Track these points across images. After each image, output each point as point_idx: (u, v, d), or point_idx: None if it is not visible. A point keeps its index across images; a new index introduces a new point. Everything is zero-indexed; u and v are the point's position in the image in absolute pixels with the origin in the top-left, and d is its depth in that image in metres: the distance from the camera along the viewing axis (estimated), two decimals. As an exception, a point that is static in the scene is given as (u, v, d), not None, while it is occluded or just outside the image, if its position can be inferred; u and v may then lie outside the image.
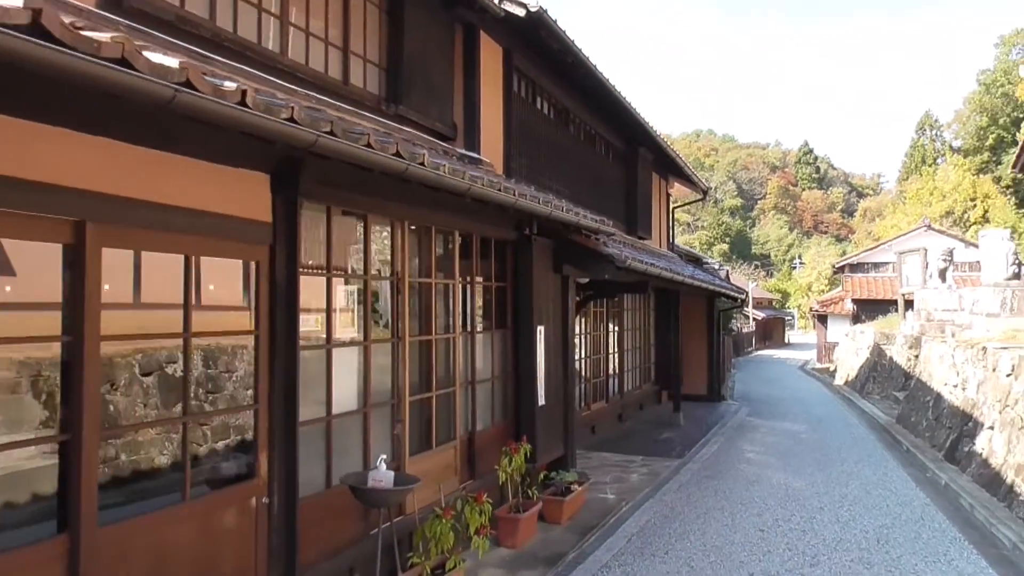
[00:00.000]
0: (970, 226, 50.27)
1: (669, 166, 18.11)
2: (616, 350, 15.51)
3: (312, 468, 4.98)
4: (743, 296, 19.05)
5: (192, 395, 4.15)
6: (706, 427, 15.18)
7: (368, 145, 4.14)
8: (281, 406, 4.58)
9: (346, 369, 5.43)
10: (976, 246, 30.92)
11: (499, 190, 5.76)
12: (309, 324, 5.01)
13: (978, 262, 25.60)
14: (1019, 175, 13.69)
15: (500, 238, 7.86)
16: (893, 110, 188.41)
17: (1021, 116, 67.13)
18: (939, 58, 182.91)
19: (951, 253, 20.01)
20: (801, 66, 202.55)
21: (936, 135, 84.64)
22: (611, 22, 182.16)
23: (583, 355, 13.57)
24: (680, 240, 35.27)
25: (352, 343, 5.54)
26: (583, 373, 13.61)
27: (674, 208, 19.89)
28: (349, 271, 5.61)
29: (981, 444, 10.47)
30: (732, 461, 11.84)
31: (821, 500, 9.26)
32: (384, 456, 4.80)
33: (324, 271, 5.21)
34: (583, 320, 13.60)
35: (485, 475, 7.06)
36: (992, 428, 10.24)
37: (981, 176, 64.86)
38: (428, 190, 5.33)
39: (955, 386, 12.79)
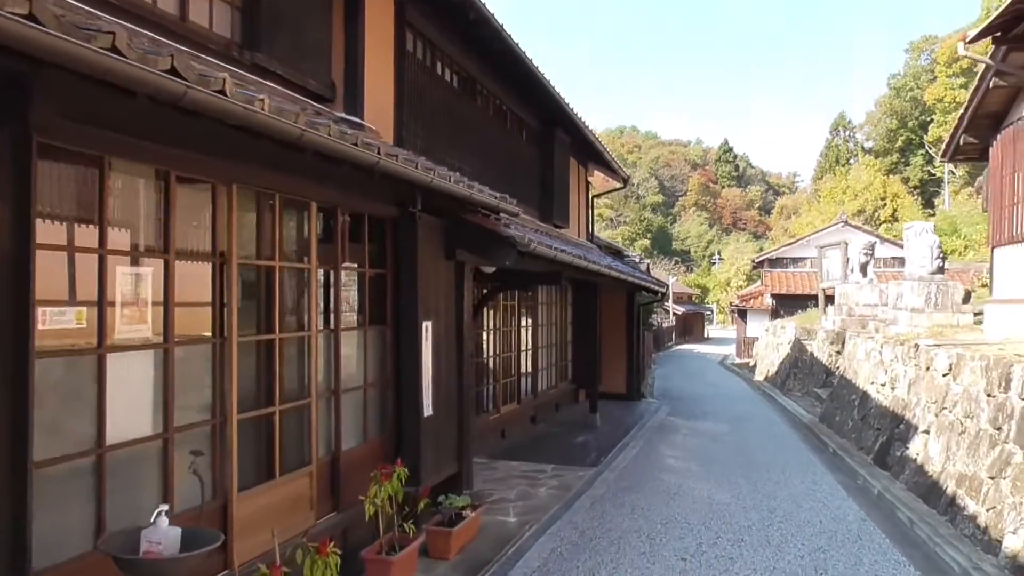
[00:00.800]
0: (880, 224, 51.18)
1: (588, 151, 16.98)
2: (530, 347, 14.29)
3: (65, 525, 3.52)
4: (663, 290, 18.11)
5: None
6: (624, 429, 14.11)
7: (114, 50, 2.72)
8: (5, 439, 3.12)
9: (134, 382, 3.98)
10: (892, 243, 30.97)
11: (355, 144, 4.39)
12: (67, 320, 3.55)
13: (893, 259, 25.17)
14: (949, 162, 12.75)
15: (376, 214, 6.47)
16: (809, 111, 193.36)
17: (928, 119, 69.16)
18: (853, 61, 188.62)
19: (872, 247, 19.50)
20: (722, 65, 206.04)
21: (849, 136, 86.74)
22: (535, 17, 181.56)
23: (492, 353, 12.29)
24: (603, 235, 34.43)
25: (144, 346, 4.08)
26: (492, 372, 12.34)
27: (594, 197, 18.83)
28: (140, 247, 4.13)
29: (915, 449, 9.62)
30: (651, 469, 10.74)
31: (748, 516, 8.18)
32: (164, 507, 3.35)
33: (97, 247, 3.75)
34: (491, 315, 12.32)
35: (355, 505, 5.67)
36: (928, 432, 9.38)
37: (891, 176, 66.59)
38: (267, 145, 3.96)
39: (883, 385, 12.01)
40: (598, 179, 19.86)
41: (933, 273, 13.81)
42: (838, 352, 18.65)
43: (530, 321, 14.40)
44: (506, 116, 12.90)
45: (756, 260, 36.11)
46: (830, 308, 20.70)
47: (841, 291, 19.82)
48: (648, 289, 17.89)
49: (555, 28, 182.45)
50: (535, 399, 14.41)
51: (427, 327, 6.81)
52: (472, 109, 11.31)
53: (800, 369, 20.61)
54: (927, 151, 69.25)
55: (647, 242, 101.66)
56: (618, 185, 18.67)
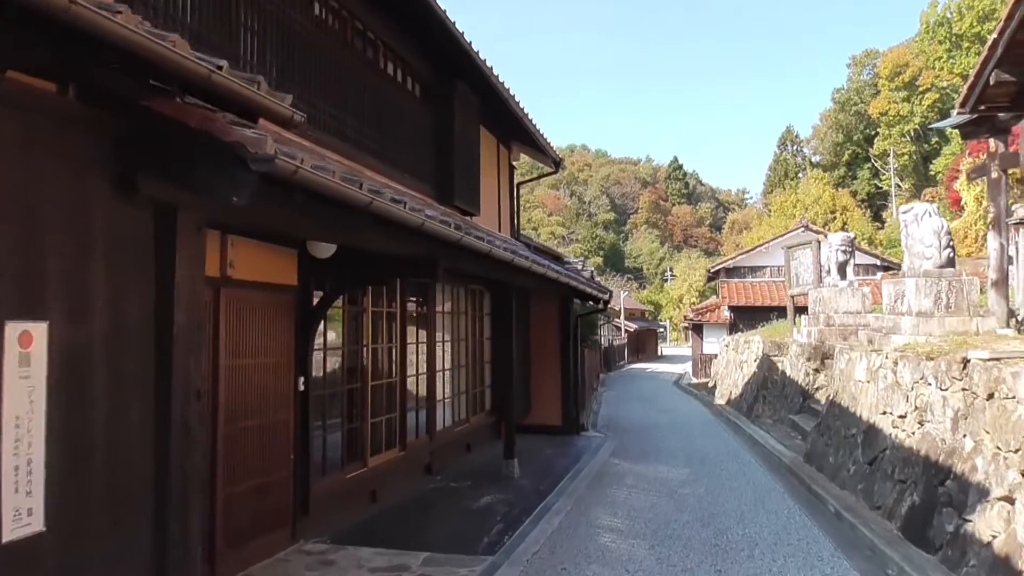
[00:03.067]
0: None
1: (508, 124, 13.31)
2: (423, 369, 10.47)
3: None
4: (606, 296, 14.45)
5: None
6: (551, 480, 10.34)
7: None
8: None
9: None
10: (863, 251, 27.84)
11: None
12: None
13: (862, 267, 21.60)
14: (971, 113, 8.96)
15: None
16: (756, 128, 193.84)
17: (873, 133, 67.55)
18: (797, 76, 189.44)
19: (851, 243, 16.12)
20: (670, 83, 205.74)
21: (797, 150, 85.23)
22: (485, 34, 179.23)
23: (356, 380, 8.45)
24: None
25: None
26: (362, 407, 8.51)
27: (520, 184, 15.23)
28: None
29: (988, 525, 5.99)
30: (577, 557, 6.95)
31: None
32: None
33: None
34: (354, 326, 8.50)
35: None
36: (1012, 501, 5.77)
37: (839, 190, 64.64)
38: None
39: (902, 417, 8.44)
40: (525, 163, 16.19)
41: (942, 266, 10.40)
42: (816, 370, 15.16)
43: (425, 334, 10.59)
44: (379, 51, 9.16)
45: (712, 270, 32.82)
46: (803, 318, 17.25)
47: (816, 297, 16.37)
48: (588, 295, 14.21)
49: (503, 41, 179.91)
50: (431, 441, 10.56)
51: (26, 334, 2.96)
52: (327, 34, 7.63)
53: (770, 391, 17.08)
54: (873, 164, 67.65)
55: (599, 259, 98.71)
56: (548, 169, 15.11)
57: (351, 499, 8.20)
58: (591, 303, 15.09)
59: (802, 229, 30.18)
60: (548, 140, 14.22)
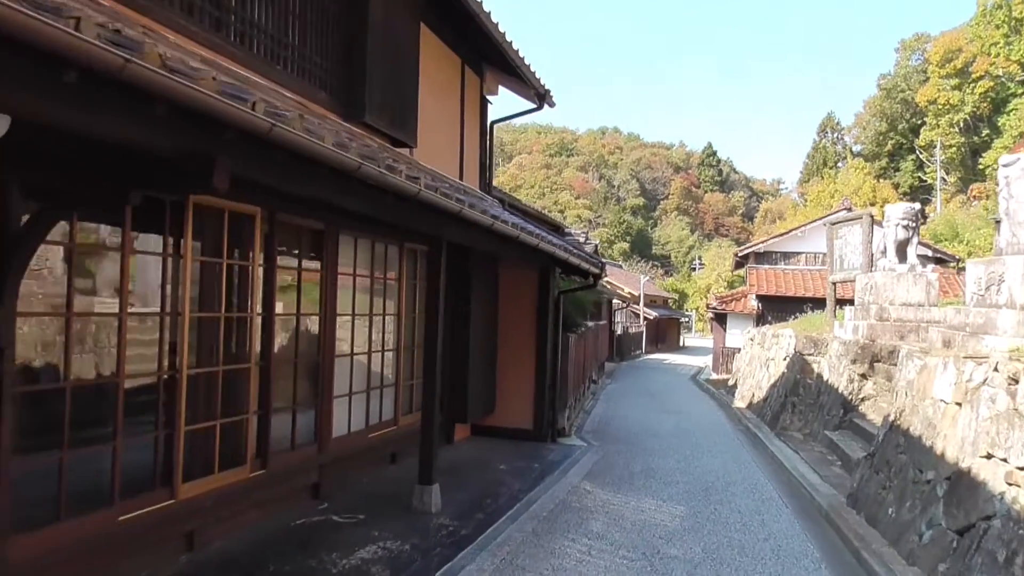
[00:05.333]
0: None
1: (475, 40, 10.02)
2: (317, 353, 7.32)
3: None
4: (597, 269, 11.12)
5: None
6: (481, 519, 7.11)
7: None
8: None
9: None
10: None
11: None
12: None
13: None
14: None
15: None
16: (795, 116, 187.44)
17: (919, 123, 63.06)
18: (841, 64, 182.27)
19: (916, 217, 12.61)
20: (708, 67, 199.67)
21: (838, 138, 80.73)
22: (521, 14, 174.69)
23: (160, 371, 5.31)
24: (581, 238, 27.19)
25: None
26: (170, 408, 5.39)
27: (496, 123, 11.95)
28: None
29: None
30: None
31: None
32: None
33: None
34: (153, 280, 5.37)
35: None
36: None
37: (880, 181, 60.44)
38: None
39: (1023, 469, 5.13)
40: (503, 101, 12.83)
41: (1062, 242, 7.09)
42: (863, 376, 11.76)
43: (319, 304, 7.40)
44: None
45: (740, 254, 29.18)
46: (847, 310, 13.81)
47: (865, 284, 12.92)
48: (572, 267, 10.91)
49: (537, 23, 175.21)
50: (320, 452, 7.39)
51: None
52: None
53: (801, 398, 13.67)
54: (918, 155, 63.22)
55: (626, 245, 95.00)
56: (530, 105, 11.79)
57: (138, 549, 5.09)
58: (578, 277, 11.78)
59: (844, 212, 26.45)
60: (530, 65, 10.87)
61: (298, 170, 4.12)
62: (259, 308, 6.50)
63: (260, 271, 6.41)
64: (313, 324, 7.36)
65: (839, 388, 12.24)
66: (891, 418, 8.02)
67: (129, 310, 5.09)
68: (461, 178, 10.73)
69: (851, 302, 14.55)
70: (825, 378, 13.15)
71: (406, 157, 7.90)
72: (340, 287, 7.74)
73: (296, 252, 7.10)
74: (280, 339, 6.87)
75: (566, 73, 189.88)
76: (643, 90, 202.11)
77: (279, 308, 6.80)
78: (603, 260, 12.14)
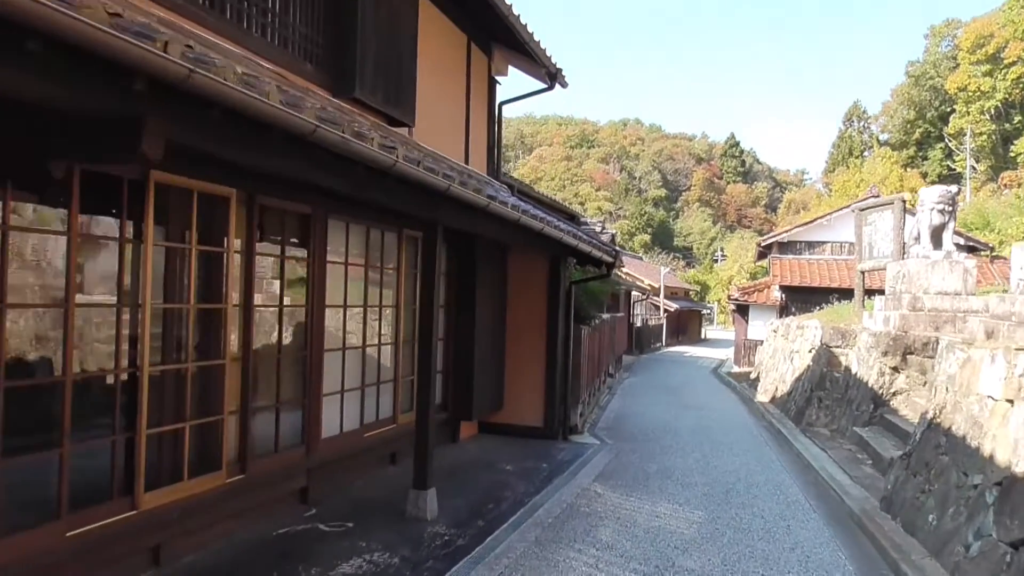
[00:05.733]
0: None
1: (482, 16, 9.41)
2: (306, 347, 6.78)
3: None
4: (611, 258, 10.47)
5: None
6: (481, 527, 6.53)
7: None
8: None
9: None
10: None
11: None
12: None
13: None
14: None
15: None
16: (819, 106, 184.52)
17: (949, 111, 61.56)
18: (868, 52, 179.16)
19: (954, 200, 11.83)
20: (730, 57, 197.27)
21: (864, 127, 79.15)
22: (543, 4, 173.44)
23: (116, 368, 4.79)
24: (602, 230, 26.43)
25: None
26: (130, 409, 4.88)
27: (504, 104, 11.31)
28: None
29: None
30: None
31: None
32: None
33: None
34: (107, 266, 4.84)
35: None
36: None
37: (908, 170, 59.09)
38: None
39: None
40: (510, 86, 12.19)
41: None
42: (895, 369, 11.04)
43: (307, 294, 6.86)
44: None
45: (762, 243, 28.33)
46: (877, 300, 13.06)
47: (897, 273, 12.17)
48: (585, 256, 10.28)
49: (558, 13, 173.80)
50: (309, 455, 6.85)
51: None
52: None
53: (828, 392, 12.95)
54: (947, 144, 61.75)
55: (647, 237, 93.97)
56: (541, 85, 11.15)
57: (93, 566, 4.58)
58: (592, 267, 11.15)
59: (872, 199, 25.55)
60: (540, 42, 10.24)
61: (240, 134, 3.54)
62: (237, 299, 5.95)
63: (236, 258, 5.86)
64: (299, 316, 6.81)
65: (869, 382, 11.52)
66: (929, 415, 7.33)
67: (78, 300, 4.55)
68: (467, 162, 10.13)
69: (880, 292, 13.79)
70: (854, 371, 12.43)
71: (402, 137, 7.31)
72: (330, 276, 7.18)
73: (279, 238, 6.54)
74: (261, 332, 6.33)
75: (587, 64, 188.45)
76: (665, 81, 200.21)
77: (260, 299, 6.26)
78: (618, 249, 11.50)
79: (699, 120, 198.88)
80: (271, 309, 6.45)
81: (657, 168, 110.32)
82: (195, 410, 5.49)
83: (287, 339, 6.66)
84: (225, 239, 5.76)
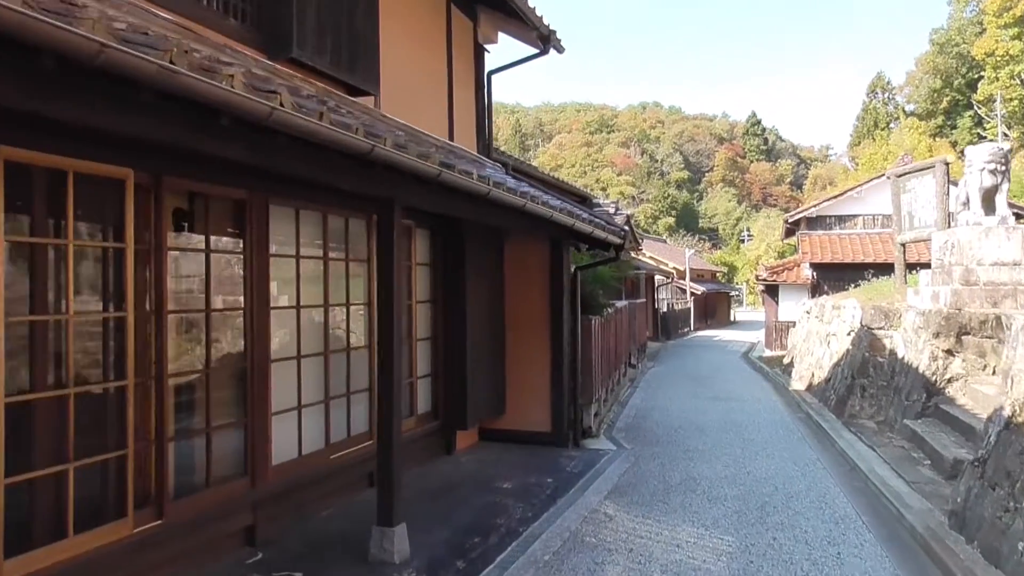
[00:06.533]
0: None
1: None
2: (246, 356, 5.59)
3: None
4: (620, 239, 9.15)
5: None
6: (457, 572, 5.30)
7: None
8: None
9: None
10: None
11: None
12: None
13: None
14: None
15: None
16: (841, 79, 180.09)
17: (976, 77, 59.08)
18: (889, 22, 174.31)
19: (1006, 157, 10.33)
20: (748, 35, 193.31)
21: (889, 98, 76.57)
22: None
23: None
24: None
25: None
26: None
27: (494, 74, 10.01)
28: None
29: None
30: None
31: None
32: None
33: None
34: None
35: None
36: None
37: (936, 140, 56.81)
38: None
39: None
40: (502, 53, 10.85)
41: None
42: (949, 352, 9.63)
43: (248, 293, 5.66)
44: None
45: (789, 220, 26.70)
46: (924, 274, 11.60)
47: (945, 242, 10.71)
48: (590, 238, 8.97)
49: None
50: (254, 487, 5.66)
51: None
52: None
53: (872, 380, 11.53)
54: (976, 111, 59.22)
55: (671, 220, 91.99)
56: (533, 51, 9.83)
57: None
58: (601, 251, 9.84)
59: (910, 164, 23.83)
60: (527, 0, 8.93)
61: (79, 89, 2.33)
62: (145, 305, 4.77)
63: (132, 255, 4.65)
64: (235, 321, 5.61)
65: (919, 367, 10.10)
66: (1007, 412, 5.94)
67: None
68: (451, 138, 8.87)
69: (922, 266, 12.34)
70: (900, 355, 11.01)
71: (362, 107, 6.07)
72: (276, 272, 5.97)
73: (202, 228, 5.34)
74: (183, 343, 5.14)
75: (603, 50, 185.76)
76: (683, 63, 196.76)
77: (175, 303, 5.06)
78: (626, 229, 10.14)
79: (719, 100, 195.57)
80: (194, 314, 5.25)
81: (678, 150, 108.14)
82: (83, 446, 4.32)
83: (220, 349, 5.47)
84: (123, 231, 4.57)
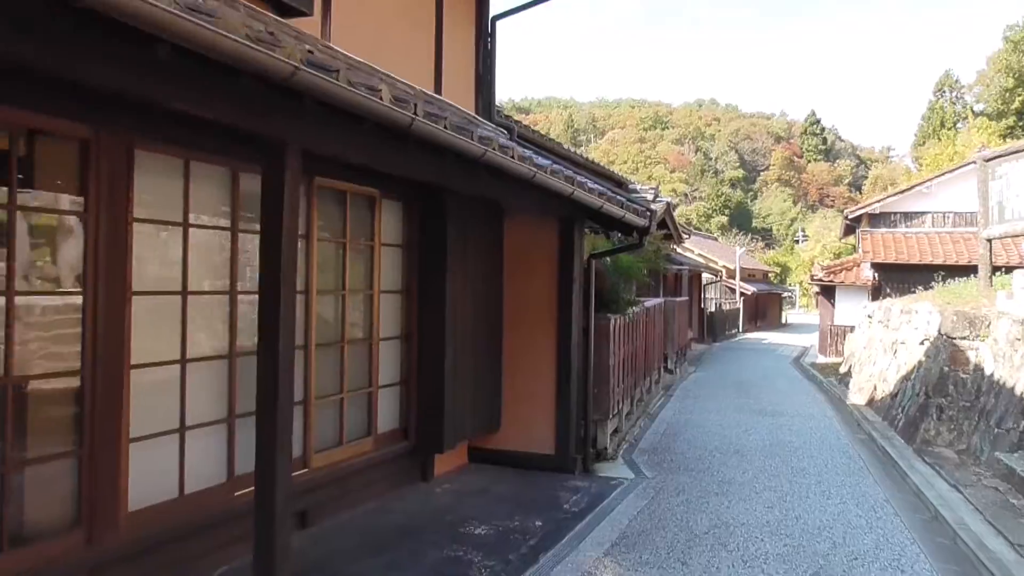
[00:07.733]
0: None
1: None
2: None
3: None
4: (645, 221, 7.25)
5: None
6: None
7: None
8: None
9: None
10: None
11: None
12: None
13: None
14: None
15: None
16: (905, 79, 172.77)
17: (1052, 77, 54.87)
18: (958, 19, 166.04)
19: None
20: (808, 32, 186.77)
21: (956, 97, 72.08)
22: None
23: None
24: (676, 212, 22.86)
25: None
26: None
27: (499, 19, 8.22)
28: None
29: None
30: None
31: None
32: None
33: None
34: None
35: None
36: None
37: (1007, 141, 52.95)
38: None
39: None
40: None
41: None
42: (1060, 371, 7.45)
43: (111, 268, 3.95)
44: None
45: (850, 216, 24.16)
46: (1019, 274, 9.38)
47: (1052, 235, 8.48)
48: (607, 218, 7.10)
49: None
50: (90, 543, 3.94)
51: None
52: None
53: (953, 399, 9.37)
54: (1050, 112, 55.01)
55: (724, 218, 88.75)
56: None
57: None
58: (619, 234, 7.96)
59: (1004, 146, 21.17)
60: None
61: None
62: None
63: None
64: (66, 311, 3.93)
65: (1014, 387, 7.97)
66: None
67: None
68: (439, 92, 7.08)
69: (1013, 268, 10.11)
70: (989, 372, 8.86)
71: (292, 29, 4.33)
72: (145, 245, 4.29)
73: (19, 183, 3.66)
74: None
75: (660, 47, 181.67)
76: (741, 60, 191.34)
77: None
78: (652, 210, 8.21)
79: (777, 98, 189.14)
80: (-11, 302, 3.58)
81: (734, 148, 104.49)
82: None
83: (32, 353, 3.79)
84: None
